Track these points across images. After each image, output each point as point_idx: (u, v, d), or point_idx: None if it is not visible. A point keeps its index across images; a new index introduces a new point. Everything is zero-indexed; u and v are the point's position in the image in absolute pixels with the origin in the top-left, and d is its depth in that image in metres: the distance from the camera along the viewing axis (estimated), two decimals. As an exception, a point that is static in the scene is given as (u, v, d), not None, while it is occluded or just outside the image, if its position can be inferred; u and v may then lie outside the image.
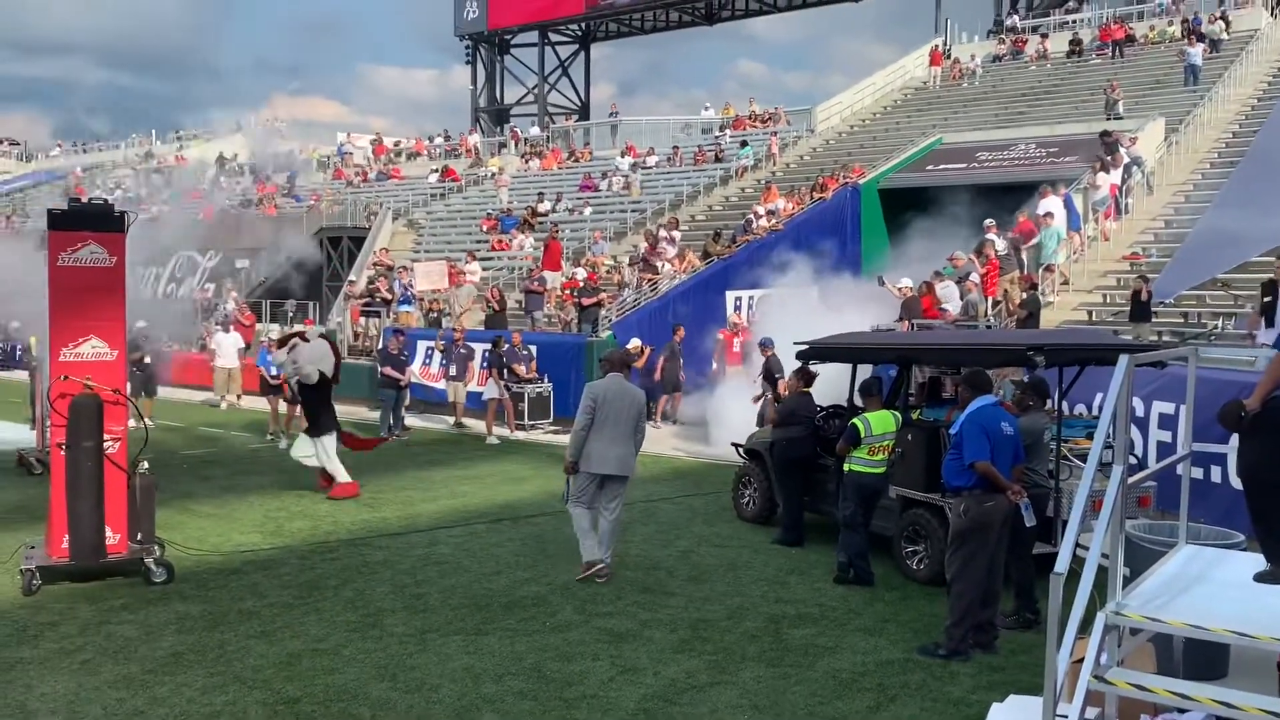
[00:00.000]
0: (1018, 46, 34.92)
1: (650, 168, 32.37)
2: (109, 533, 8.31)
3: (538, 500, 12.13)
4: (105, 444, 8.19)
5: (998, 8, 39.47)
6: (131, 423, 8.82)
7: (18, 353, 26.95)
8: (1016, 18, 37.80)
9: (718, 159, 31.83)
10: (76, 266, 8.31)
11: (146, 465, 8.69)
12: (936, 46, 36.43)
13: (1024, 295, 15.99)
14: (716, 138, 34.83)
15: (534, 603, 8.04)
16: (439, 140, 45.07)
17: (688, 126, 39.28)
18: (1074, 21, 35.84)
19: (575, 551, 9.57)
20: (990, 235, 17.81)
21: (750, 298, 19.55)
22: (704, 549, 9.85)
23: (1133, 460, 7.76)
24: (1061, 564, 3.94)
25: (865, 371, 10.14)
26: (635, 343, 17.61)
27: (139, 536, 8.56)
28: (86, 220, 8.40)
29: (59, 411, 8.18)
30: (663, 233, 24.52)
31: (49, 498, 8.47)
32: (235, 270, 32.32)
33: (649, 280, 21.75)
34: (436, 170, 38.60)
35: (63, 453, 8.13)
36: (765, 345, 14.47)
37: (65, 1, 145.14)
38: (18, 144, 68.44)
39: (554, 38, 55.57)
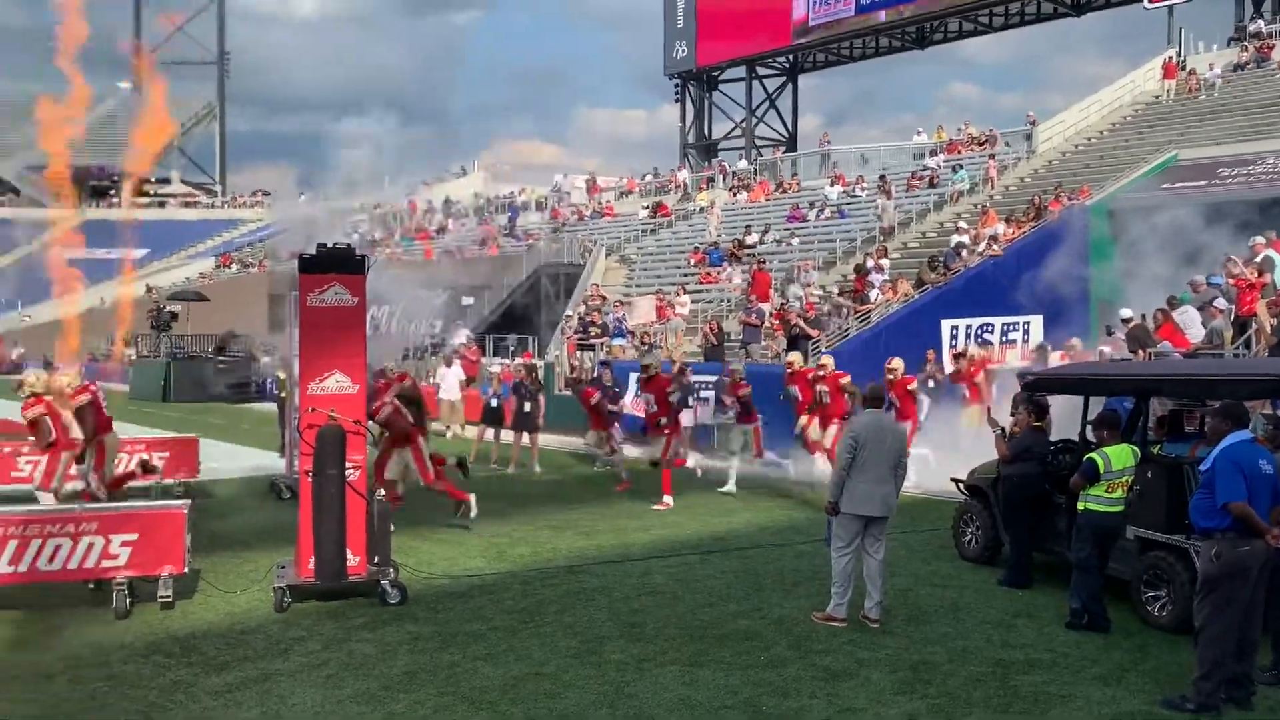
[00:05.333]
0: (1263, 53, 32.29)
1: (858, 198, 31.90)
2: (350, 555, 8.84)
3: (748, 532, 12.08)
4: (347, 472, 8.78)
5: (1239, 13, 36.75)
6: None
7: (269, 385, 29.34)
8: (1261, 22, 35.02)
9: (931, 184, 31.02)
10: (323, 306, 8.95)
11: (383, 492, 9.22)
12: (1170, 58, 34.25)
13: (1275, 321, 14.68)
14: (929, 164, 33.98)
15: (747, 636, 8.00)
16: (649, 177, 46.10)
17: (899, 152, 38.50)
18: (1330, 22, 32.96)
19: (787, 585, 9.53)
20: (1269, 252, 16.18)
21: (968, 326, 18.86)
22: (923, 588, 9.53)
23: None
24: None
25: (1097, 404, 9.58)
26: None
27: (376, 559, 9.04)
28: (332, 263, 9.02)
29: (306, 441, 8.83)
30: (870, 262, 24.07)
31: (297, 521, 9.10)
32: (462, 308, 34.06)
33: (859, 311, 21.37)
34: (647, 207, 39.42)
35: (309, 479, 8.77)
36: (1022, 376, 13.83)
37: (305, 63, 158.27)
38: (269, 194, 75.06)
39: (761, 71, 55.92)
